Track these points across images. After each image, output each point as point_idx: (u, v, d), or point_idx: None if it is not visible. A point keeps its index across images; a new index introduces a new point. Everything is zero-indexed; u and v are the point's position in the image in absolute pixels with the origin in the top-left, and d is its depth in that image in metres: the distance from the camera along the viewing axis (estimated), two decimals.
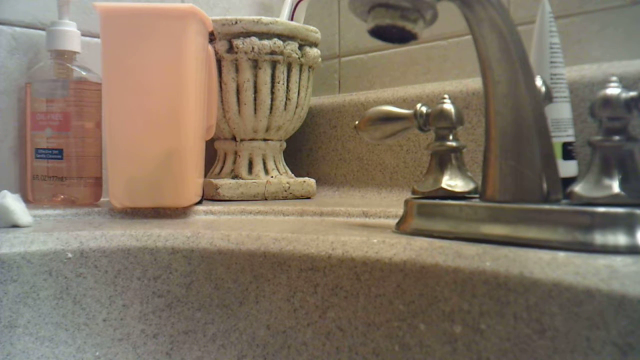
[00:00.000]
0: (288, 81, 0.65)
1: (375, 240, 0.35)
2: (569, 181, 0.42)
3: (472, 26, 0.33)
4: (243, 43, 0.62)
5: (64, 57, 0.58)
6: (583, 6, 0.55)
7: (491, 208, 0.33)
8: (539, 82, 0.36)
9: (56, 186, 0.57)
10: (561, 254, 0.28)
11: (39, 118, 0.57)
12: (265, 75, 0.63)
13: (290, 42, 0.64)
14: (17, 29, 0.61)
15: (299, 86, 0.66)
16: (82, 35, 0.59)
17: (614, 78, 0.32)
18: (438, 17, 0.31)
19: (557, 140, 0.45)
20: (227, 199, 0.62)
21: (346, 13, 0.78)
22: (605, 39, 0.54)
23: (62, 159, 0.56)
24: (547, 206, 0.31)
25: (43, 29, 0.61)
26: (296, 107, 0.67)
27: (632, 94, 0.31)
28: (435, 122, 0.40)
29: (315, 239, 0.37)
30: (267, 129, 0.66)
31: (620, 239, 0.28)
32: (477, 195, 0.37)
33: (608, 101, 0.31)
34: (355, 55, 0.77)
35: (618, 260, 0.26)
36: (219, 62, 0.63)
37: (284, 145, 0.70)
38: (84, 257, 0.39)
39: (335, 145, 0.73)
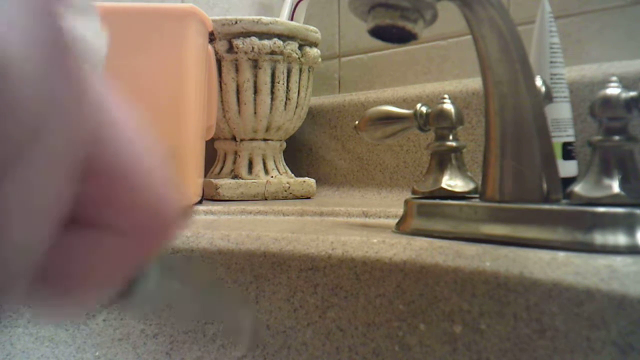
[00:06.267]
0: (288, 81, 0.65)
1: (375, 240, 0.35)
2: (569, 181, 0.42)
3: (472, 26, 0.33)
4: (243, 43, 0.62)
5: None
6: (583, 6, 0.55)
7: (491, 208, 0.33)
8: (539, 82, 0.36)
9: None
10: (561, 254, 0.28)
11: None
12: (265, 75, 0.63)
13: (290, 42, 0.64)
14: None
15: (299, 86, 0.66)
16: None
17: (614, 78, 0.32)
18: (438, 17, 0.31)
19: (557, 140, 0.45)
20: (227, 198, 0.62)
21: (346, 13, 0.78)
22: (605, 39, 0.54)
23: None
24: (547, 206, 0.31)
25: None
26: (296, 107, 0.66)
27: (632, 94, 0.31)
28: (435, 122, 0.40)
29: (315, 239, 0.37)
30: (267, 129, 0.66)
31: (620, 239, 0.28)
32: (477, 195, 0.37)
33: (608, 101, 0.31)
34: (355, 55, 0.77)
35: (618, 260, 0.26)
36: (219, 62, 0.63)
37: (284, 145, 0.70)
38: None
39: (335, 145, 0.73)
